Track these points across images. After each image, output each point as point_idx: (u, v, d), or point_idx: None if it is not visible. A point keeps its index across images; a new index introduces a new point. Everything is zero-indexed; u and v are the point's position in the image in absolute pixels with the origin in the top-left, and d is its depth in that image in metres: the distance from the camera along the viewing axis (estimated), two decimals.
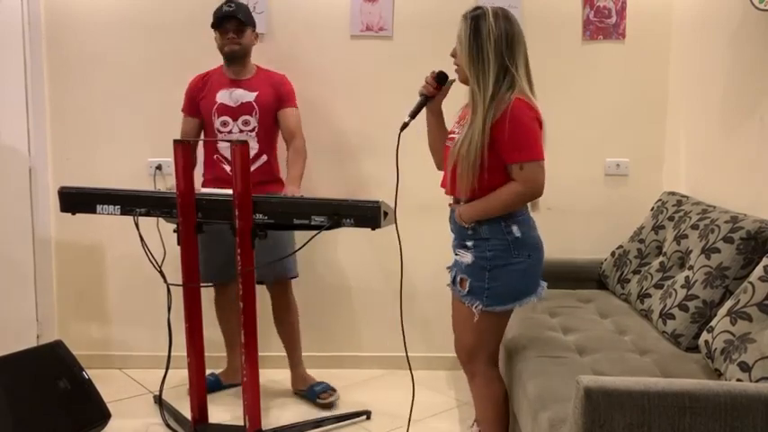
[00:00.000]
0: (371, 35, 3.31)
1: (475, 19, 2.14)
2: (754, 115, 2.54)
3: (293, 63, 3.11)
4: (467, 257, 2.21)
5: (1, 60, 3.12)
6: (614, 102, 3.35)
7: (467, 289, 2.21)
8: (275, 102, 3.00)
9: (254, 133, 2.98)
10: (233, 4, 2.93)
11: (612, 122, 3.36)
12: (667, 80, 3.34)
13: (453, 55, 2.24)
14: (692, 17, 3.10)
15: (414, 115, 2.29)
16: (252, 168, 2.94)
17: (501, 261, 2.16)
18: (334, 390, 3.09)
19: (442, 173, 2.38)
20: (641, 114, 3.36)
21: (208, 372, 3.19)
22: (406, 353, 2.46)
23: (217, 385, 3.15)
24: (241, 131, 2.97)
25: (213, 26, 2.95)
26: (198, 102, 3.04)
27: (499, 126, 2.07)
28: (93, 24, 3.28)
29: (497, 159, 2.12)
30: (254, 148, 2.96)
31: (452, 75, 2.29)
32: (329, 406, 3.01)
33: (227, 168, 2.96)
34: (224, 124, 2.98)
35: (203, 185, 3.02)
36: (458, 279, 2.26)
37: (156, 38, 3.29)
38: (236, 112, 2.97)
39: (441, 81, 2.29)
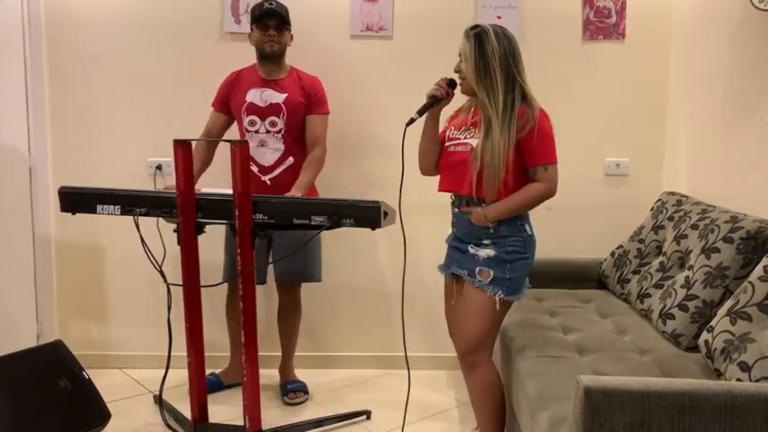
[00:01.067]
0: (371, 35, 3.31)
1: (478, 37, 2.30)
2: (754, 115, 2.54)
3: (293, 63, 3.10)
4: (488, 251, 2.35)
5: (1, 60, 3.12)
6: (614, 102, 3.35)
7: (489, 279, 2.33)
8: (304, 105, 3.00)
9: (280, 135, 2.98)
10: (273, 2, 2.92)
11: (612, 122, 3.36)
12: (667, 80, 3.34)
13: (457, 70, 2.39)
14: (692, 17, 3.11)
15: (421, 113, 2.40)
16: (278, 171, 2.99)
17: (518, 255, 2.35)
18: (305, 392, 3.11)
19: (438, 182, 2.51)
20: (641, 114, 3.36)
21: (208, 372, 3.20)
22: (405, 352, 2.47)
23: (217, 385, 3.15)
24: (268, 132, 2.97)
25: (254, 21, 2.94)
26: (229, 100, 3.04)
27: (529, 136, 2.28)
28: (93, 24, 3.28)
29: (519, 163, 2.31)
30: (279, 149, 2.97)
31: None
32: (294, 405, 3.04)
33: (255, 170, 2.96)
34: (252, 123, 2.98)
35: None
36: (476, 270, 2.35)
37: (156, 38, 3.29)
38: (264, 112, 2.97)
39: (451, 87, 2.43)
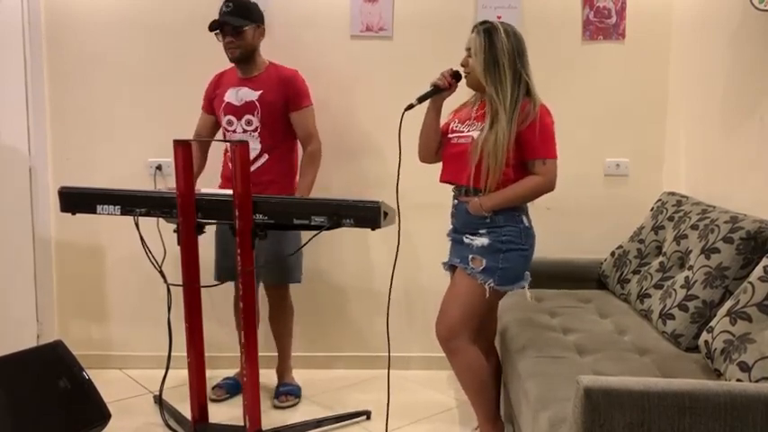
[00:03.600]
0: (371, 35, 3.31)
1: (488, 33, 2.37)
2: (754, 115, 2.54)
3: (293, 63, 3.10)
4: (482, 240, 2.39)
5: (1, 60, 3.12)
6: (614, 102, 3.35)
7: (481, 266, 2.38)
8: (282, 101, 2.96)
9: (256, 133, 2.95)
10: (230, 4, 2.88)
11: (612, 122, 3.36)
12: (667, 80, 3.34)
13: (464, 64, 2.45)
14: (692, 17, 3.11)
15: (421, 100, 2.46)
16: (252, 168, 2.95)
17: (513, 246, 2.39)
18: (296, 396, 3.09)
19: (439, 173, 2.55)
20: (641, 114, 3.36)
21: (225, 375, 3.20)
22: (389, 350, 2.47)
23: (237, 388, 3.11)
24: (245, 131, 2.95)
25: (210, 29, 2.90)
26: (212, 101, 3.04)
27: (530, 129, 2.34)
28: (93, 24, 3.28)
29: (519, 157, 2.37)
30: (255, 148, 2.94)
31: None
32: (282, 409, 3.02)
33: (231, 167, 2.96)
34: (229, 123, 2.98)
35: (220, 186, 3.03)
36: (468, 258, 2.41)
37: (156, 38, 3.29)
38: (239, 111, 2.96)
39: (456, 79, 2.47)
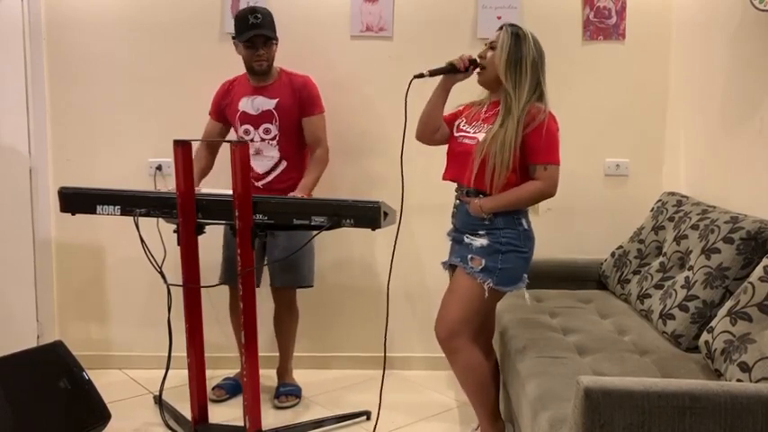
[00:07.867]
0: (371, 35, 3.31)
1: (516, 36, 2.40)
2: (754, 115, 2.54)
3: (293, 63, 3.10)
4: (482, 241, 2.41)
5: (1, 60, 3.12)
6: (614, 102, 3.35)
7: (481, 266, 2.39)
8: (297, 108, 2.97)
9: (274, 141, 2.96)
10: (259, 15, 2.85)
11: (612, 122, 3.36)
12: (667, 80, 3.34)
13: (482, 56, 2.46)
14: (692, 17, 3.11)
15: (433, 74, 2.47)
16: (271, 176, 2.98)
17: (512, 247, 2.40)
18: (296, 396, 3.09)
19: (442, 172, 2.56)
20: (641, 114, 3.36)
21: (225, 376, 3.20)
22: (385, 352, 2.47)
23: (237, 389, 3.11)
24: (262, 140, 2.96)
25: (239, 38, 2.87)
26: (223, 109, 3.04)
27: (535, 133, 2.35)
28: (93, 24, 3.28)
29: (522, 161, 2.38)
30: (274, 156, 2.97)
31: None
32: (282, 409, 3.02)
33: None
34: (246, 132, 2.98)
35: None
36: (468, 258, 2.42)
37: (157, 38, 3.29)
38: (257, 120, 2.96)
39: (473, 65, 2.48)
